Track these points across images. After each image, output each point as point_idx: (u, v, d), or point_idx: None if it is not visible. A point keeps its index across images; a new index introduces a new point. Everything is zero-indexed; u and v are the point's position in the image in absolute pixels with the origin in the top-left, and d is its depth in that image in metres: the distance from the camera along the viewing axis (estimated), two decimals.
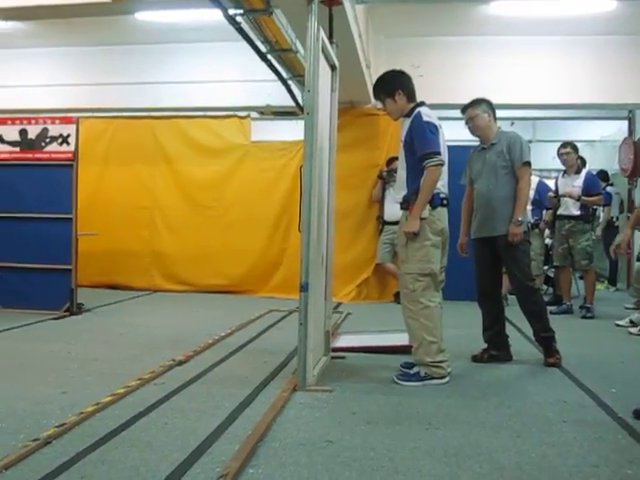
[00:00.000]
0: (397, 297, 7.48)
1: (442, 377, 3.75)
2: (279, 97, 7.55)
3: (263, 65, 6.10)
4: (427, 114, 3.74)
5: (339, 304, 7.06)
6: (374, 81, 4.13)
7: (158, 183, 8.36)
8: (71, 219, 6.25)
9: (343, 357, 4.44)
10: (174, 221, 8.37)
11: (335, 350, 4.49)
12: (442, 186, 3.79)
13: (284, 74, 6.56)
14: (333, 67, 4.26)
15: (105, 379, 3.72)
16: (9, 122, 6.49)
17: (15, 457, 2.44)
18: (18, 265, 6.36)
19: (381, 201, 7.67)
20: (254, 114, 8.89)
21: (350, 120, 7.43)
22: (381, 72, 4.15)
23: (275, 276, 8.05)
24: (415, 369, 3.80)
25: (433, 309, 3.78)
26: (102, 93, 8.51)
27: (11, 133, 6.43)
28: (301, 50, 5.83)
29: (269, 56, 5.97)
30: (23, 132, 6.42)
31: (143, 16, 6.87)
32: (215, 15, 5.22)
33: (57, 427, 2.80)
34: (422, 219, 3.67)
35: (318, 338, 3.93)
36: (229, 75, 8.01)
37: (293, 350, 4.31)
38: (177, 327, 5.68)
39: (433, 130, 3.69)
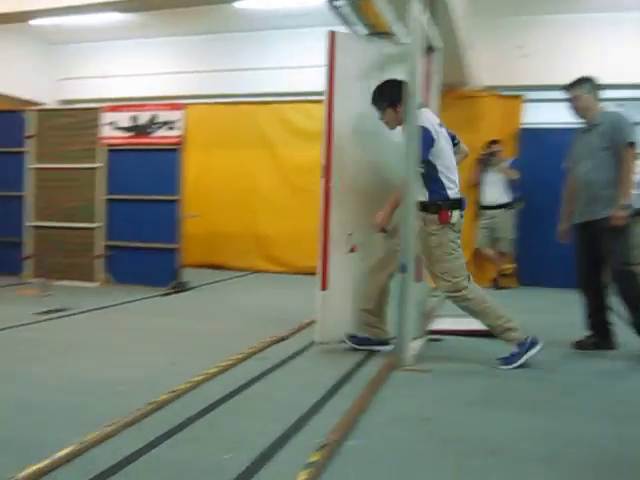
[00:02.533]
0: (495, 282, 7.36)
1: (535, 342, 3.73)
2: None
3: None
4: (423, 119, 3.70)
5: (436, 288, 7.02)
6: (384, 86, 3.97)
7: (259, 167, 8.58)
8: (177, 201, 6.57)
9: (440, 340, 4.45)
10: (274, 204, 8.58)
11: (432, 333, 4.51)
12: (458, 190, 3.84)
13: None
14: (433, 48, 4.24)
15: (211, 352, 3.92)
16: (122, 109, 6.88)
17: (134, 417, 2.65)
18: (130, 244, 6.77)
19: (479, 185, 7.56)
20: None
21: (449, 102, 7.32)
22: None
23: None
24: (510, 351, 3.76)
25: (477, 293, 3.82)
26: (205, 80, 8.85)
27: (124, 120, 6.82)
28: (400, 33, 5.80)
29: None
30: (134, 119, 6.79)
31: (242, 4, 7.04)
32: (313, 0, 5.29)
33: (169, 393, 2.99)
34: (452, 223, 3.74)
35: (415, 320, 3.97)
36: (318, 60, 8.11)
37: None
38: (277, 306, 5.86)
39: (425, 135, 3.66)
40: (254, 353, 3.92)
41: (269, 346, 4.12)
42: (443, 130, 3.85)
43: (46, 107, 8.74)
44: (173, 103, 6.85)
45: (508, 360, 3.72)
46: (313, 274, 8.07)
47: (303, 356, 3.95)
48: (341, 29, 5.66)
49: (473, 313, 3.80)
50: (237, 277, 7.97)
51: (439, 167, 3.73)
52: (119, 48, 9.50)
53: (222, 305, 5.88)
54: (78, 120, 7.05)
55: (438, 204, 3.72)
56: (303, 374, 3.50)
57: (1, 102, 8.99)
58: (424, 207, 3.75)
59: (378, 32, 5.83)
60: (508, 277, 7.52)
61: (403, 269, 3.59)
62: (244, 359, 3.76)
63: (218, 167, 8.63)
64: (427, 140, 3.66)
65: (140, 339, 4.34)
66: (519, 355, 3.69)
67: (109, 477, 2.11)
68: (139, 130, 6.74)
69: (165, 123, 6.62)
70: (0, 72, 9.01)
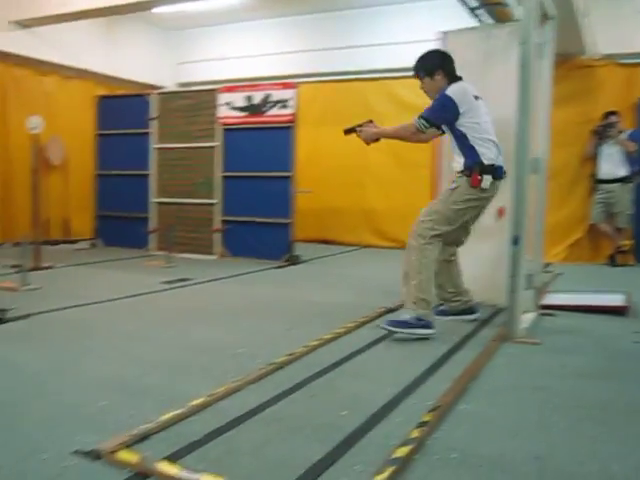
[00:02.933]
0: (612, 259, 7.10)
1: (428, 325, 3.67)
2: None
3: (472, 22, 6.03)
4: (454, 89, 3.72)
5: (549, 264, 6.88)
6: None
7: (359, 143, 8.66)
8: (290, 177, 6.81)
9: (553, 315, 4.40)
10: (383, 180, 8.67)
11: (545, 307, 4.47)
12: (498, 160, 3.77)
13: None
14: (548, 17, 4.15)
15: (324, 320, 4.11)
16: (237, 90, 7.17)
17: (256, 376, 2.87)
18: (245, 219, 7.10)
19: (595, 158, 7.27)
20: None
21: (564, 73, 7.06)
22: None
23: None
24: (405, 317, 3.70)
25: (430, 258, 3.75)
26: (316, 59, 9.03)
27: (239, 100, 7.12)
28: (512, 2, 5.68)
29: (478, 11, 5.89)
30: (249, 98, 7.07)
31: None
32: None
33: (287, 355, 3.20)
34: (483, 189, 3.71)
35: (527, 292, 3.96)
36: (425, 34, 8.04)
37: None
38: (386, 279, 5.96)
39: (446, 102, 3.70)
40: (366, 322, 4.06)
41: (379, 316, 4.25)
42: (480, 102, 3.79)
43: (167, 90, 9.23)
44: (285, 82, 7.06)
45: (396, 324, 3.66)
46: None
47: None
48: (447, 2, 5.66)
49: (409, 266, 3.73)
50: (347, 251, 8.15)
51: (470, 138, 3.72)
52: (233, 31, 9.87)
53: (333, 277, 6.08)
54: (196, 101, 7.44)
55: (470, 167, 3.73)
56: (413, 343, 3.59)
57: (128, 87, 9.62)
58: (460, 172, 3.81)
59: (488, 3, 5.77)
60: (625, 254, 7.22)
61: (515, 241, 3.60)
62: (356, 327, 3.92)
63: (329, 144, 8.78)
64: (445, 108, 3.71)
65: (257, 307, 4.61)
66: (409, 326, 3.63)
67: (238, 425, 2.33)
68: (253, 109, 7.02)
69: (278, 102, 6.85)
70: (126, 59, 9.64)
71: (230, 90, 7.22)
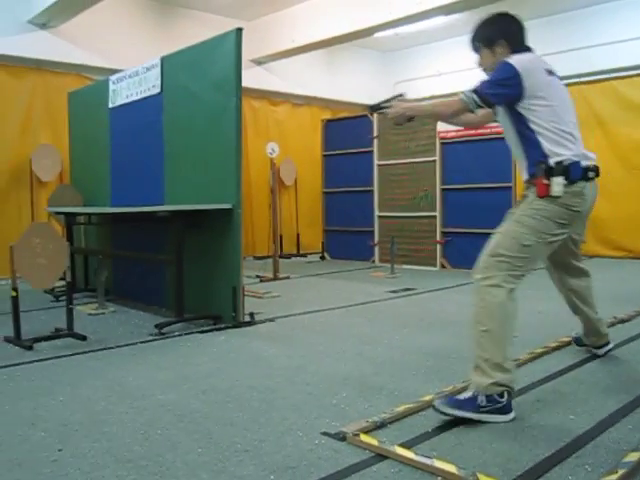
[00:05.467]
0: None
1: (507, 410, 2.54)
2: None
3: None
4: (519, 57, 2.70)
5: None
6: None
7: (591, 147, 8.22)
8: (511, 187, 6.78)
9: None
10: (609, 185, 8.18)
11: None
12: (576, 155, 2.71)
13: None
14: None
15: (544, 329, 4.10)
16: None
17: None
18: (466, 230, 7.19)
19: None
20: None
21: None
22: None
23: None
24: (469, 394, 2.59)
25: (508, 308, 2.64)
26: None
27: None
28: None
29: None
30: None
31: None
32: None
33: (513, 361, 3.27)
34: (555, 197, 2.63)
35: None
36: None
37: None
38: (615, 289, 5.69)
39: (507, 73, 2.64)
40: None
41: (610, 326, 4.10)
42: (556, 80, 2.80)
43: None
44: None
45: (454, 403, 2.54)
46: None
47: None
48: None
49: (475, 320, 2.67)
50: None
51: (535, 128, 2.69)
52: (447, 46, 10.06)
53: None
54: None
55: (533, 171, 2.72)
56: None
57: (350, 109, 10.26)
58: (527, 181, 2.82)
59: None
60: None
61: None
62: None
63: None
64: (507, 81, 2.64)
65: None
66: (474, 408, 2.51)
67: (467, 422, 2.49)
68: None
69: None
70: (346, 83, 10.33)
71: None
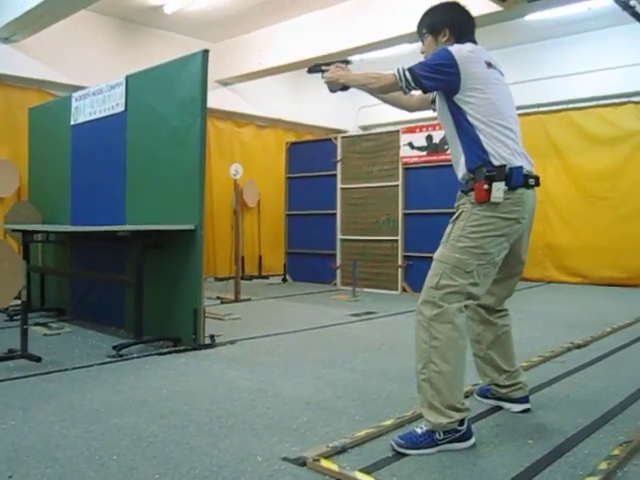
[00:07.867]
0: None
1: (467, 436, 2.50)
2: None
3: None
4: (459, 46, 2.57)
5: None
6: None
7: (550, 176, 8.48)
8: None
9: None
10: (567, 213, 8.43)
11: None
12: (516, 152, 2.60)
13: None
14: None
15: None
16: (417, 130, 7.44)
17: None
18: (427, 255, 7.22)
19: None
20: None
21: None
22: None
23: None
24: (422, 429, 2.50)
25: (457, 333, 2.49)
26: None
27: (419, 140, 7.38)
28: None
29: None
30: (429, 138, 7.30)
31: (531, 17, 7.11)
32: (601, 2, 5.22)
33: (473, 385, 3.30)
34: (495, 204, 2.49)
35: None
36: (617, 61, 7.84)
37: None
38: (572, 314, 5.82)
39: (444, 59, 2.52)
40: (552, 357, 4.04)
41: (566, 352, 4.20)
42: (496, 73, 2.66)
43: (351, 134, 9.77)
44: None
45: (410, 441, 2.46)
46: (610, 285, 7.86)
47: (603, 362, 3.95)
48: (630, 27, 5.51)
49: (426, 358, 2.48)
50: (531, 287, 7.97)
51: (474, 123, 2.55)
52: None
53: (519, 313, 6.01)
54: (379, 143, 7.81)
55: (471, 173, 2.56)
56: (603, 379, 3.52)
57: (314, 132, 10.34)
58: (462, 189, 2.66)
59: None
60: None
61: None
62: (542, 362, 3.92)
63: None
64: (443, 66, 2.51)
65: None
66: (431, 443, 2.45)
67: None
68: (434, 148, 7.22)
69: None
70: (311, 107, 10.39)
71: (411, 131, 7.50)
